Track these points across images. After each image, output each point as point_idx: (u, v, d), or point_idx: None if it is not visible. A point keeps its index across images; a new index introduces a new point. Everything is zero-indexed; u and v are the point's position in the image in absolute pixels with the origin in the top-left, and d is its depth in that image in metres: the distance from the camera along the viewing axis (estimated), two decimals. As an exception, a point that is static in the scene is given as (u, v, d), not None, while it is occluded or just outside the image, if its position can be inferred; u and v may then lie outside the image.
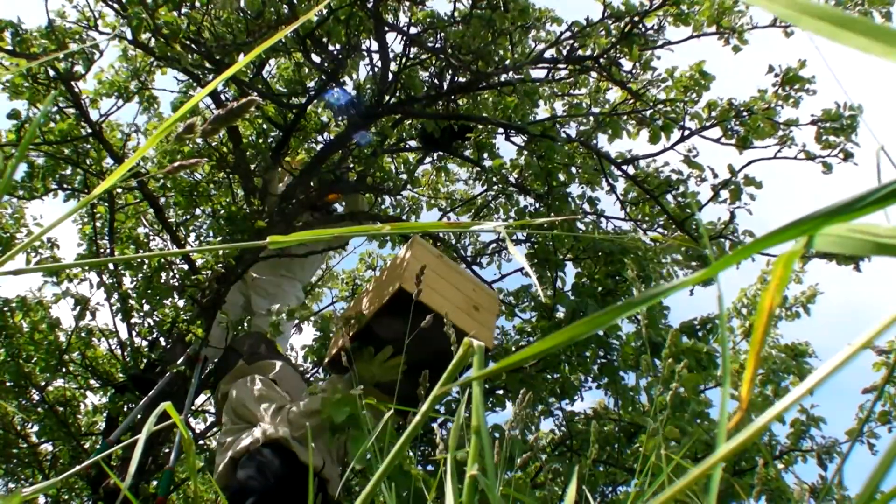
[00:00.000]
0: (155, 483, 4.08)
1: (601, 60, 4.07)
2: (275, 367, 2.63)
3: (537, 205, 3.95)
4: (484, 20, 3.84)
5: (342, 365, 2.45)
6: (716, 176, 3.99)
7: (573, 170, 4.03)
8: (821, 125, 3.89)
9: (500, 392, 3.91)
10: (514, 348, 3.99)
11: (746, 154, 4.01)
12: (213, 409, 5.54)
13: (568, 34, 4.14)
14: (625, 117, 4.22)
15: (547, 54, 4.23)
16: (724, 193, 3.97)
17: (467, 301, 2.33)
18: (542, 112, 4.47)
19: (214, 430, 4.98)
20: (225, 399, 2.60)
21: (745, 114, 3.91)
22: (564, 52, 4.20)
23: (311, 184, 3.94)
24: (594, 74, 4.40)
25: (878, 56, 0.25)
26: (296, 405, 2.28)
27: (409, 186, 4.67)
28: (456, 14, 4.08)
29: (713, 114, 4.00)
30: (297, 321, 3.09)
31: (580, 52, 4.16)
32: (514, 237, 3.91)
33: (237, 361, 2.71)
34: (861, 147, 3.89)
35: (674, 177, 4.08)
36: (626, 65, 4.17)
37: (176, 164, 0.54)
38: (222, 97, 4.11)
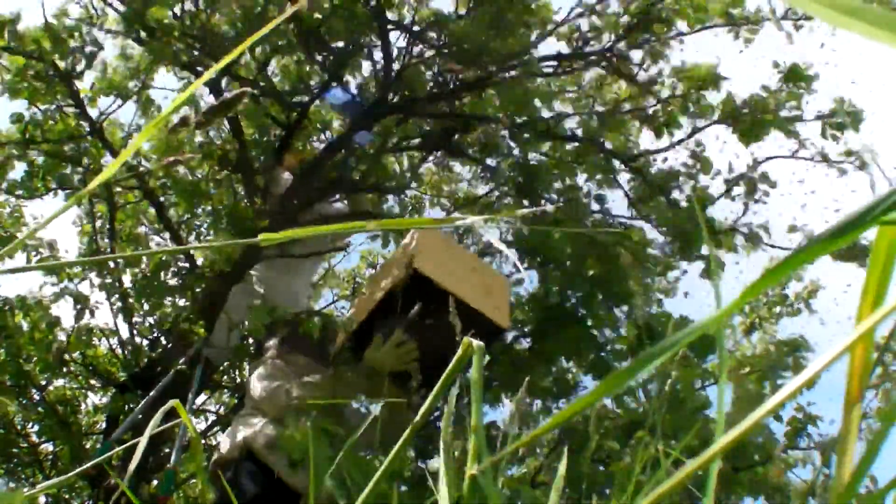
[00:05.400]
0: (155, 483, 4.08)
1: (609, 55, 4.06)
2: (299, 360, 2.60)
3: (547, 206, 3.96)
4: (490, 14, 3.83)
5: (351, 353, 2.42)
6: (731, 171, 4.02)
7: (579, 168, 4.05)
8: (825, 121, 3.90)
9: (496, 385, 3.91)
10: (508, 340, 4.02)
11: (762, 151, 4.05)
12: (213, 409, 5.55)
13: (579, 24, 4.13)
14: (628, 116, 4.21)
15: (555, 49, 4.23)
16: (737, 189, 3.99)
17: (479, 283, 2.32)
18: (545, 111, 4.47)
19: (215, 429, 4.99)
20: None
21: (746, 110, 3.92)
22: (574, 45, 4.18)
23: (314, 183, 3.94)
24: (601, 71, 4.37)
25: (886, 43, 0.24)
26: (295, 384, 2.26)
27: (412, 185, 4.67)
28: (460, 9, 4.08)
29: (719, 109, 4.01)
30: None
31: (591, 44, 4.14)
32: (507, 235, 3.93)
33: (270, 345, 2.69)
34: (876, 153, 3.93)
35: (682, 168, 4.09)
36: (636, 56, 4.14)
37: (172, 157, 0.55)
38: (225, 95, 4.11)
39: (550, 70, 4.33)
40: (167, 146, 4.07)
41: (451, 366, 0.51)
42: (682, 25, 4.07)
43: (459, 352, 0.51)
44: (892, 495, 0.31)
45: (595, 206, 4.12)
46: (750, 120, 3.86)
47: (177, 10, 3.61)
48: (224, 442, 2.32)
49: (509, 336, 4.15)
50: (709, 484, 0.39)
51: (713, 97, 4.04)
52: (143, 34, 3.49)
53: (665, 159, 4.17)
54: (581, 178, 4.20)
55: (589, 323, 3.59)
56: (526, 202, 4.29)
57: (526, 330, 4.03)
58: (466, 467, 0.50)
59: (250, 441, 2.17)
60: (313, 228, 0.49)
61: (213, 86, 3.88)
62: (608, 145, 4.18)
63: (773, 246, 4.03)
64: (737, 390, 3.60)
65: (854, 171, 3.90)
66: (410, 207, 5.16)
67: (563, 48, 4.25)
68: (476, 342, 0.52)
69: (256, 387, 2.34)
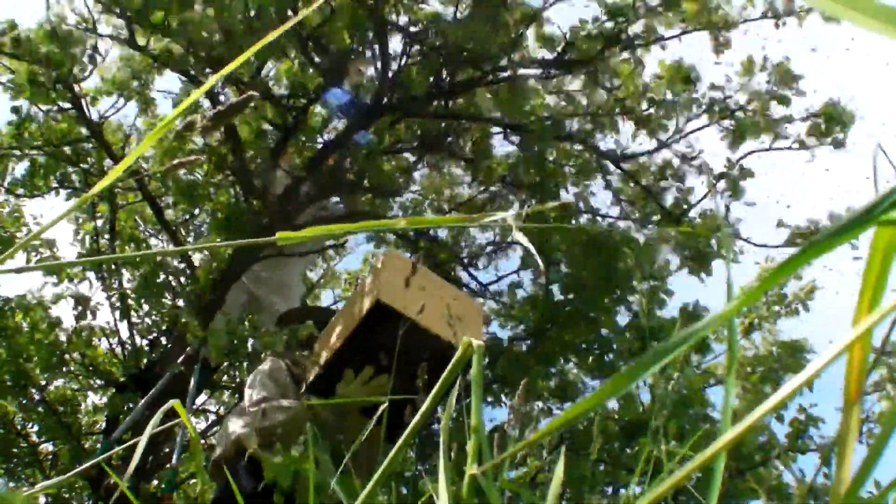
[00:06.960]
0: (155, 482, 4.09)
1: (589, 67, 4.09)
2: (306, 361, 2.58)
3: (532, 200, 3.98)
4: (485, 16, 3.84)
5: (321, 387, 2.35)
6: (710, 171, 4.07)
7: (567, 169, 4.07)
8: (814, 120, 3.94)
9: (495, 386, 3.92)
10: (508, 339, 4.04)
11: (741, 148, 4.10)
12: (213, 409, 5.55)
13: (562, 37, 4.16)
14: (622, 115, 4.22)
15: (541, 55, 4.25)
16: (721, 186, 4.03)
17: (451, 311, 2.23)
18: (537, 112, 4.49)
19: (215, 429, 4.99)
20: None
21: (738, 113, 3.96)
22: (557, 52, 4.21)
23: (310, 186, 3.95)
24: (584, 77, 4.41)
25: (880, 32, 0.24)
26: (276, 404, 2.23)
27: (408, 188, 4.68)
28: (457, 12, 4.09)
29: (704, 108, 4.04)
30: None
31: (573, 52, 4.16)
32: (511, 236, 3.93)
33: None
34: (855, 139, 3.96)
35: (672, 164, 4.12)
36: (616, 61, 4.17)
37: (175, 161, 0.54)
38: (221, 99, 4.12)
39: (537, 74, 4.35)
40: (169, 150, 4.08)
41: (449, 367, 0.51)
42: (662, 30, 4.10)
43: (459, 352, 0.51)
44: (892, 496, 0.31)
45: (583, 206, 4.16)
46: (738, 126, 3.90)
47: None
48: (219, 438, 2.31)
49: (507, 338, 4.16)
50: (713, 483, 0.39)
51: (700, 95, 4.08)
52: (140, 40, 3.51)
53: (650, 158, 4.21)
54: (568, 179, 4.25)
55: (590, 323, 3.60)
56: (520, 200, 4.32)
57: (526, 331, 4.04)
58: (466, 467, 0.50)
59: (244, 440, 2.16)
60: (330, 227, 0.47)
61: (209, 89, 3.89)
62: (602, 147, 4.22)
63: (749, 241, 4.08)
64: (738, 391, 3.60)
65: (830, 153, 3.97)
66: (410, 211, 5.16)
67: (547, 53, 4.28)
68: (476, 342, 0.51)
69: (246, 391, 2.32)
